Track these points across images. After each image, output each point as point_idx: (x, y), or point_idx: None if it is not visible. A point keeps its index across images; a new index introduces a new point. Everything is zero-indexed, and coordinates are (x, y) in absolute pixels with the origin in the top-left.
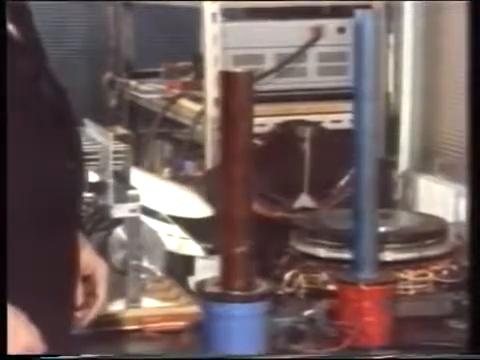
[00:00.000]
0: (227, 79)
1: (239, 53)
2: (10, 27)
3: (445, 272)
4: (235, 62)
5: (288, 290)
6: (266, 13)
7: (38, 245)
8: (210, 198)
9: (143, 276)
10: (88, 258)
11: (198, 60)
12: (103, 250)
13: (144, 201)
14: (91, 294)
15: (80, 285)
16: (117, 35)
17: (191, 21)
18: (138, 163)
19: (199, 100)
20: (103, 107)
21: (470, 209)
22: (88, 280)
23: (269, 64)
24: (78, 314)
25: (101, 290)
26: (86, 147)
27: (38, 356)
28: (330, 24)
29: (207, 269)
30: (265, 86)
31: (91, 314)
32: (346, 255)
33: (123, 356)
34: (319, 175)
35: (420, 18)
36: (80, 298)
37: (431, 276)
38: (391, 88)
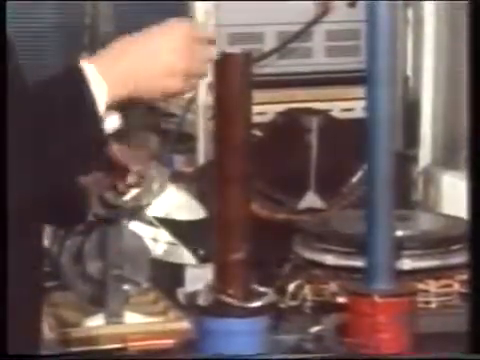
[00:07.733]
0: (221, 61)
1: (235, 31)
2: None
3: None
4: (230, 41)
5: (292, 303)
6: None
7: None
8: (202, 197)
9: (125, 287)
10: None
11: None
12: (78, 257)
13: None
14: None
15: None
16: (94, 12)
17: None
18: None
19: None
20: None
21: (471, 207)
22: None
23: (270, 44)
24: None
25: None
26: None
27: (38, 356)
28: None
29: (199, 279)
30: (265, 69)
31: None
32: (358, 263)
33: (123, 356)
34: (328, 171)
35: None
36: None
37: (456, 287)
38: (410, 71)
